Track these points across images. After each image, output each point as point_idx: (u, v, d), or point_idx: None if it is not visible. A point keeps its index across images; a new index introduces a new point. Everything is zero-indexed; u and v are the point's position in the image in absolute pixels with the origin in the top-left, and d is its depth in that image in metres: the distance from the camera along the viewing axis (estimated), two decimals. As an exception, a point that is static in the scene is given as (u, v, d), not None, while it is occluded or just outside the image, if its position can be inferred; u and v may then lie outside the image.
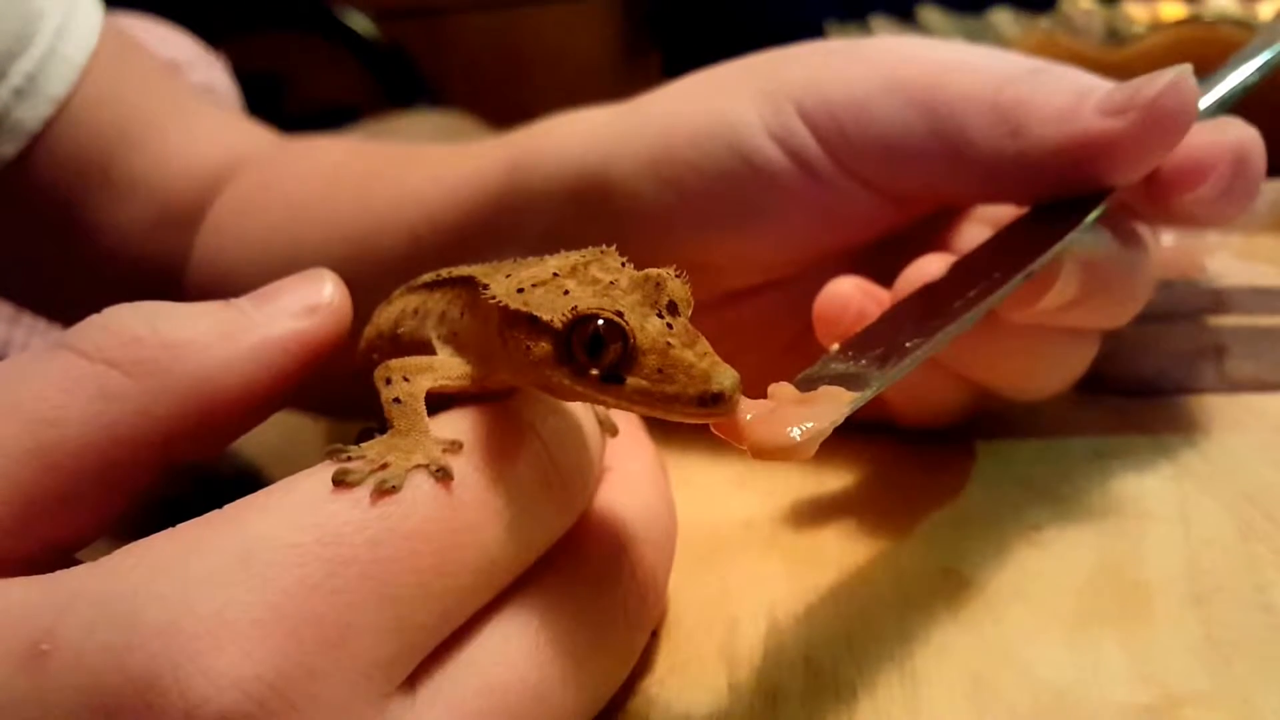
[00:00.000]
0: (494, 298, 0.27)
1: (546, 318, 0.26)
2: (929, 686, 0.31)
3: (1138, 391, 0.48)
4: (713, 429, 0.27)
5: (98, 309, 0.28)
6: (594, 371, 0.26)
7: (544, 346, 0.26)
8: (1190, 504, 0.39)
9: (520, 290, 0.27)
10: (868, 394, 0.29)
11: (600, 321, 0.25)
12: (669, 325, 0.26)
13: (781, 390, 0.29)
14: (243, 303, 0.30)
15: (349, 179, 0.58)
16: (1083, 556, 0.37)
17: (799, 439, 0.26)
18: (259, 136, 0.64)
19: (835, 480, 0.43)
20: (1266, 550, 0.36)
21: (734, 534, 0.40)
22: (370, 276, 0.35)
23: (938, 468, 0.44)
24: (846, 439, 0.27)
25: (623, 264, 0.28)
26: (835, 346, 0.34)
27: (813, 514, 0.41)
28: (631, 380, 0.25)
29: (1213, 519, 0.38)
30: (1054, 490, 0.41)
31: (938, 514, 0.40)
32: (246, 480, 0.65)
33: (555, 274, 0.27)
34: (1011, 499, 0.41)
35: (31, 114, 0.54)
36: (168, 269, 0.59)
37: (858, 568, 0.37)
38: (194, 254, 0.59)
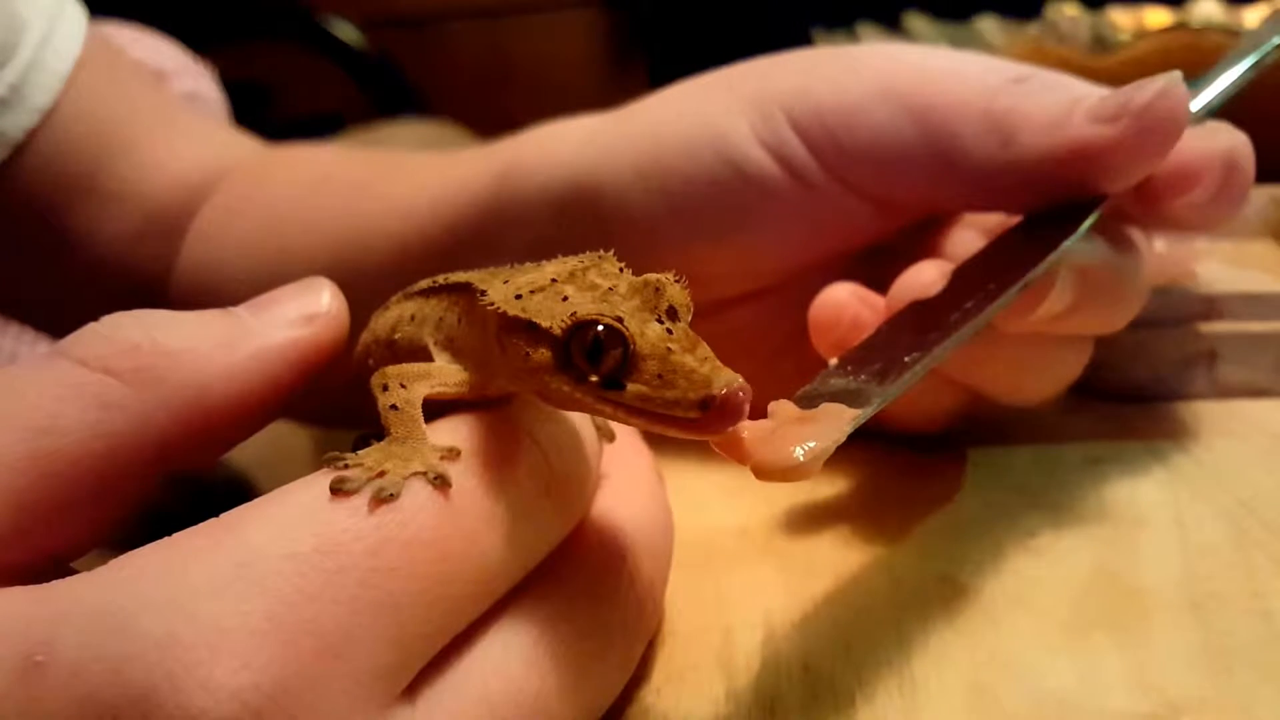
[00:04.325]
0: (492, 304, 0.27)
1: (545, 324, 0.26)
2: (928, 694, 0.31)
3: (1130, 398, 0.48)
4: (714, 447, 0.26)
5: (82, 318, 0.28)
6: (593, 378, 0.26)
7: (543, 353, 0.26)
8: (1185, 510, 0.39)
9: (518, 296, 0.27)
10: (869, 411, 0.29)
11: (600, 327, 0.25)
12: (669, 330, 0.26)
13: (782, 408, 0.28)
14: (240, 311, 0.29)
15: (335, 188, 0.57)
16: (1079, 563, 0.37)
17: (803, 459, 0.26)
18: (244, 145, 0.64)
19: (828, 487, 0.43)
20: (1263, 556, 0.36)
21: (728, 542, 0.40)
22: (358, 285, 0.35)
23: (931, 475, 0.44)
24: (838, 446, 0.27)
25: (621, 269, 0.28)
26: (834, 361, 0.34)
27: (807, 521, 0.41)
28: (631, 386, 0.25)
29: (1208, 525, 0.38)
30: (1048, 497, 0.41)
31: (933, 521, 0.40)
32: (236, 489, 0.64)
33: (553, 280, 0.27)
34: (1006, 506, 0.41)
35: (14, 124, 0.54)
36: (153, 278, 0.59)
37: (854, 575, 0.37)
38: (179, 263, 0.59)
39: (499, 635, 0.26)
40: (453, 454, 0.27)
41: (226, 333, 0.28)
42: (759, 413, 0.27)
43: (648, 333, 0.25)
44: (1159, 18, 0.80)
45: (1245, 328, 0.48)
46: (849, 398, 0.29)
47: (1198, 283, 0.49)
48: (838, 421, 0.28)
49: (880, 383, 0.31)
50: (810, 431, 0.27)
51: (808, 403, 0.29)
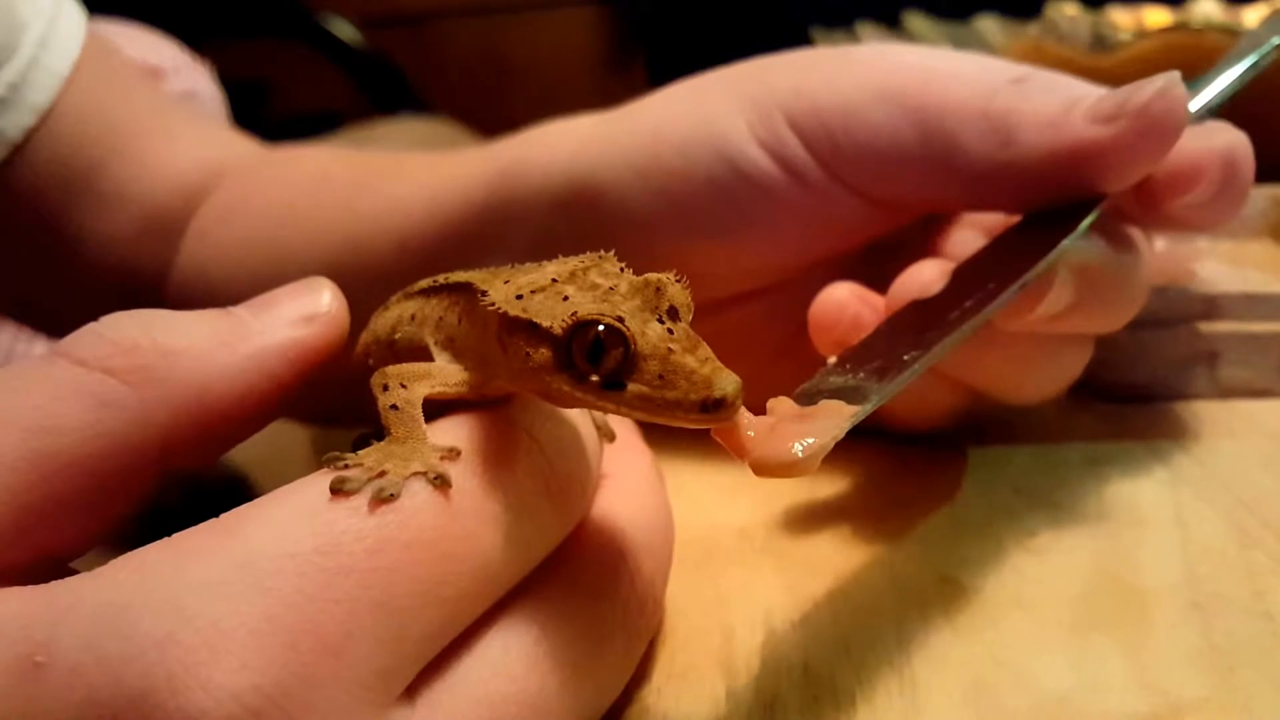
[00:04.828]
0: (493, 304, 0.27)
1: (546, 324, 0.26)
2: (928, 694, 0.31)
3: (1131, 398, 0.48)
4: (714, 435, 0.26)
5: (81, 318, 0.28)
6: (594, 378, 0.25)
7: (544, 353, 0.26)
8: (1186, 510, 0.39)
9: (519, 296, 0.27)
10: (867, 408, 0.29)
11: (601, 327, 0.25)
12: (670, 330, 0.26)
13: (781, 405, 0.29)
14: (240, 311, 0.29)
15: (334, 188, 0.57)
16: (1080, 563, 0.37)
17: (801, 455, 0.26)
18: (242, 146, 0.64)
19: (828, 487, 0.43)
20: (1264, 556, 0.36)
21: (728, 541, 0.40)
22: (357, 285, 0.35)
23: (931, 474, 0.44)
24: (838, 445, 0.27)
25: (621, 269, 0.28)
26: (833, 359, 0.34)
27: (807, 521, 0.41)
28: (632, 387, 0.25)
29: (1209, 525, 0.38)
30: (1049, 497, 0.41)
31: (933, 521, 0.40)
32: (236, 489, 0.64)
33: (554, 280, 0.27)
34: (1007, 506, 0.40)
35: (13, 124, 0.54)
36: (151, 278, 0.59)
37: (854, 575, 0.37)
38: (177, 263, 0.59)
39: (499, 635, 0.26)
40: (453, 454, 0.27)
41: (226, 332, 0.28)
42: (758, 410, 0.28)
43: (649, 333, 0.25)
44: (1159, 17, 0.80)
45: (1245, 328, 0.48)
46: (848, 395, 0.29)
47: (1198, 283, 0.49)
48: (836, 418, 0.28)
49: (879, 380, 0.31)
50: (809, 428, 0.27)
51: (807, 400, 0.29)
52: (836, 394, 0.29)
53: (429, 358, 0.30)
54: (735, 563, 0.39)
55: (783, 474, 0.26)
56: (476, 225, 0.49)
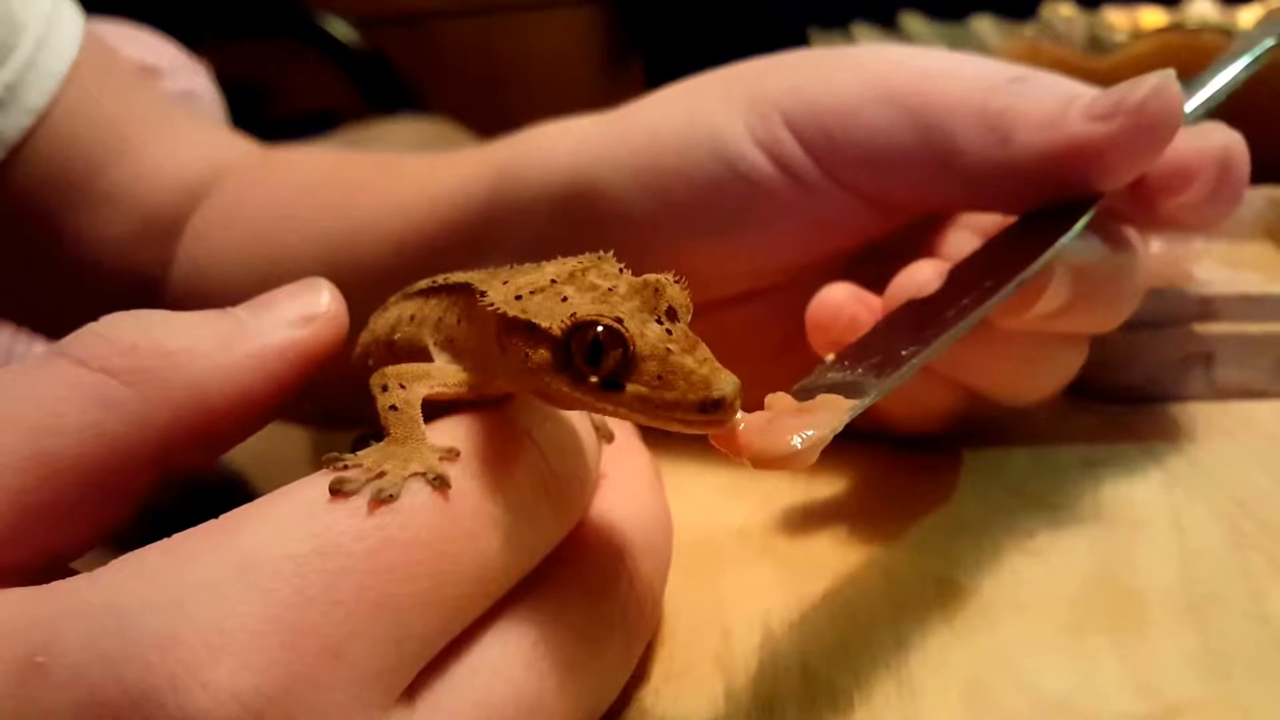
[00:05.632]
0: (492, 305, 0.27)
1: (545, 325, 0.26)
2: (925, 695, 0.31)
3: (1127, 399, 0.48)
4: (711, 441, 0.26)
5: (80, 320, 0.28)
6: (593, 379, 0.26)
7: (542, 354, 0.26)
8: (1182, 512, 0.39)
9: (518, 297, 0.27)
10: (866, 401, 0.29)
11: (599, 328, 0.25)
12: (668, 331, 0.26)
13: (779, 400, 0.29)
14: (240, 311, 0.29)
15: (332, 188, 0.57)
16: (1077, 564, 0.37)
17: (800, 447, 0.26)
18: (240, 147, 0.64)
19: (826, 488, 0.43)
20: (1260, 558, 0.36)
21: (727, 542, 0.40)
22: (354, 286, 0.35)
23: (927, 475, 0.44)
24: (834, 446, 0.27)
25: (620, 270, 0.28)
26: (830, 356, 0.34)
27: (805, 522, 0.41)
28: (631, 387, 0.25)
29: (1205, 527, 0.38)
30: (1046, 498, 0.41)
31: (930, 522, 0.40)
32: (236, 489, 0.64)
33: (553, 280, 0.27)
34: (1004, 507, 0.41)
35: (11, 124, 0.54)
36: (149, 280, 0.59)
37: (852, 575, 0.37)
38: (175, 264, 0.59)
39: (498, 636, 0.27)
40: (452, 454, 0.27)
41: (225, 333, 0.28)
42: (756, 409, 0.28)
43: (647, 333, 0.25)
44: (1154, 18, 0.80)
45: (1241, 329, 0.48)
46: (846, 390, 0.29)
47: (1194, 284, 0.49)
48: (835, 411, 0.28)
49: (877, 375, 0.31)
50: (807, 421, 0.27)
51: (804, 396, 0.29)
52: (835, 389, 0.29)
53: (428, 358, 0.30)
54: (733, 563, 0.39)
55: (781, 466, 0.26)
56: (475, 225, 0.49)
